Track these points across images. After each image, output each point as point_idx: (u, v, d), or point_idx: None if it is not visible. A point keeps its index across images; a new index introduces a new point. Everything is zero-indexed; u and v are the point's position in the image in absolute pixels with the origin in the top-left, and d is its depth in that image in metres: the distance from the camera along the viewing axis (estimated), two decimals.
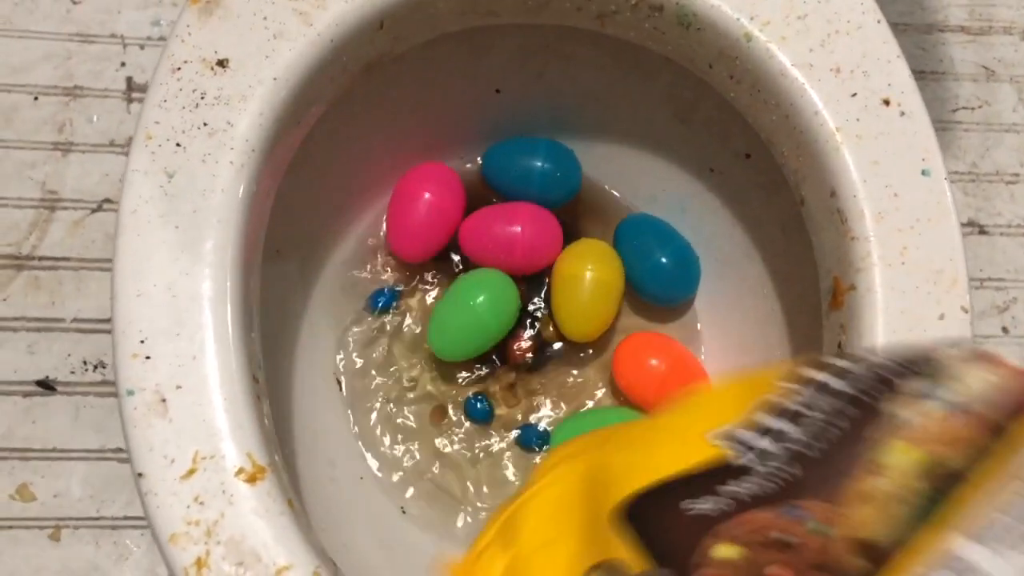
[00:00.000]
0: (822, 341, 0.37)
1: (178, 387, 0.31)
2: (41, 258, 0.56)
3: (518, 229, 0.44)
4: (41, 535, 0.52)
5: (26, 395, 0.53)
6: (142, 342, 0.31)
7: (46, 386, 0.53)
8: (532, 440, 0.45)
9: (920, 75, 0.66)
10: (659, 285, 0.46)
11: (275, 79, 0.34)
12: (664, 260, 0.46)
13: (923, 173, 0.35)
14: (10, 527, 0.51)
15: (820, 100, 0.36)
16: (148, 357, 0.31)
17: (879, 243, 0.34)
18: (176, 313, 0.31)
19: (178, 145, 0.33)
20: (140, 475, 0.30)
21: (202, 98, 0.34)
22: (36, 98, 0.59)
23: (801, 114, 0.36)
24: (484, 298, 0.43)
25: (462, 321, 0.43)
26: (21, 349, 0.54)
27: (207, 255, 0.32)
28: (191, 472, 0.30)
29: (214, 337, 0.31)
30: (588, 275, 0.44)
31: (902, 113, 0.36)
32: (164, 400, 0.31)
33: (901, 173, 0.35)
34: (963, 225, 0.63)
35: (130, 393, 0.31)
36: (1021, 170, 0.65)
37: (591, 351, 0.47)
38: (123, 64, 0.60)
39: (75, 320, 0.54)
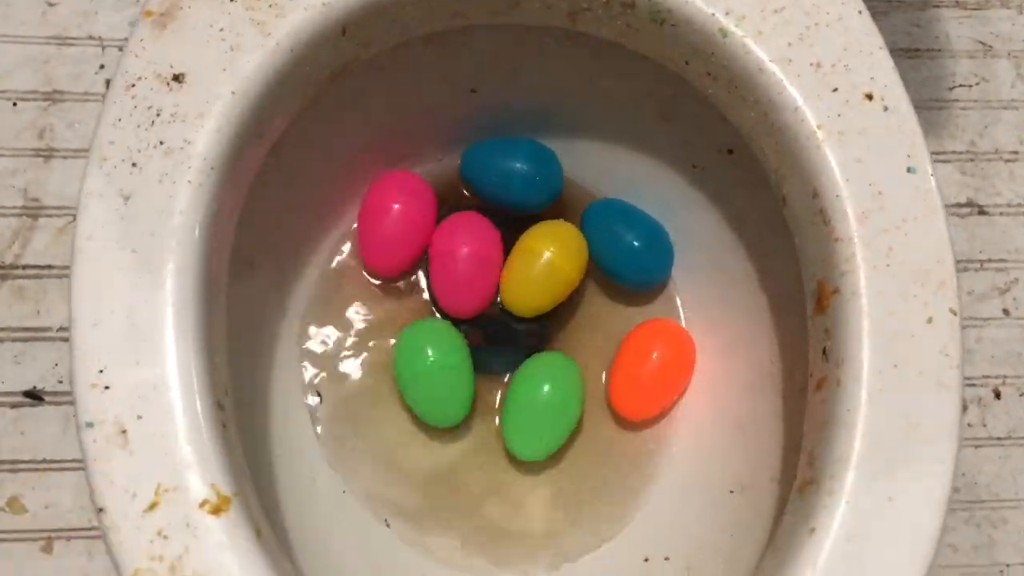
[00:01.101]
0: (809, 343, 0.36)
1: (139, 417, 0.30)
2: (25, 267, 0.55)
3: (466, 250, 0.44)
4: (33, 548, 0.51)
5: (14, 406, 0.53)
6: (100, 371, 0.30)
7: (34, 396, 0.53)
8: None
9: (916, 53, 0.65)
10: (634, 269, 0.46)
11: (233, 93, 0.33)
12: (636, 243, 0.45)
13: (909, 170, 0.34)
14: (1, 540, 0.51)
15: (800, 96, 0.35)
16: (107, 387, 0.30)
17: (863, 244, 0.33)
18: (135, 341, 0.31)
19: (134, 165, 0.32)
20: (101, 510, 0.29)
21: (158, 115, 0.33)
22: (15, 104, 0.58)
23: (780, 111, 0.35)
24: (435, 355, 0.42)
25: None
26: (7, 359, 0.54)
27: (167, 280, 0.31)
28: (153, 505, 0.29)
29: (176, 365, 0.31)
30: (546, 255, 0.43)
31: (885, 108, 0.34)
32: (124, 431, 0.30)
33: (886, 170, 0.34)
34: (961, 206, 0.62)
35: (89, 425, 0.30)
36: (1020, 148, 0.63)
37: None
38: (102, 67, 0.59)
39: (61, 329, 0.54)
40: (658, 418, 0.45)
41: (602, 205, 0.47)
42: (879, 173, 0.34)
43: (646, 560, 0.41)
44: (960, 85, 0.65)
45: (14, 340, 0.54)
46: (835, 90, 0.35)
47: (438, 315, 0.46)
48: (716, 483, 0.42)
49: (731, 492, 0.41)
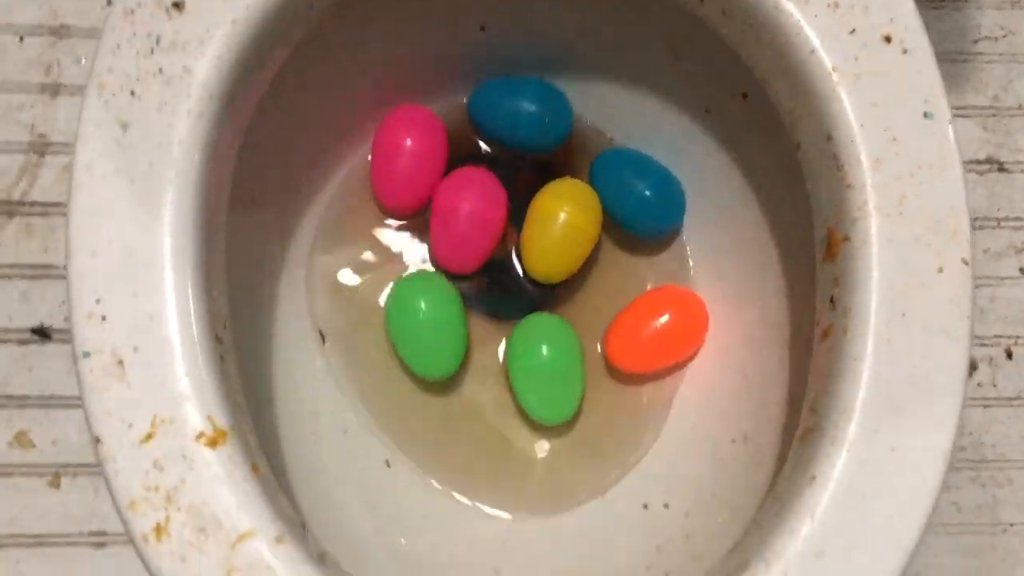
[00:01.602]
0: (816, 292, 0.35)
1: (135, 348, 0.30)
2: (32, 203, 0.55)
3: (469, 208, 0.43)
4: (40, 482, 0.52)
5: (21, 343, 0.53)
6: (97, 302, 0.30)
7: (42, 333, 0.53)
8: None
9: (940, 4, 0.63)
10: (646, 219, 0.45)
11: (234, 21, 0.32)
12: (648, 193, 0.44)
13: (925, 116, 0.33)
14: (10, 474, 0.52)
15: (816, 37, 0.34)
16: (104, 318, 0.30)
17: (876, 191, 0.33)
18: (133, 272, 0.30)
19: (132, 94, 0.32)
20: (97, 440, 0.29)
21: (157, 43, 0.32)
22: (21, 39, 0.58)
23: (796, 52, 0.34)
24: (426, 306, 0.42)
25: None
26: (15, 297, 0.54)
27: (165, 211, 0.31)
28: (150, 436, 0.29)
29: (173, 296, 0.31)
30: (562, 216, 0.43)
31: (904, 51, 0.34)
32: (121, 362, 0.30)
33: (902, 116, 0.33)
34: (981, 162, 0.61)
35: (86, 355, 0.30)
36: None
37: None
38: (109, 1, 0.58)
39: None
40: (660, 374, 0.45)
41: (611, 155, 0.46)
42: (895, 118, 0.33)
43: (645, 507, 0.41)
44: (985, 37, 0.64)
45: (22, 277, 0.54)
46: (853, 31, 0.34)
47: (434, 268, 0.46)
48: (719, 433, 0.42)
49: (733, 441, 0.41)
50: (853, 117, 0.33)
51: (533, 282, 0.45)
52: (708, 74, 0.42)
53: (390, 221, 0.46)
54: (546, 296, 0.46)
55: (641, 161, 0.45)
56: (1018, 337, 0.58)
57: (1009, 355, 0.59)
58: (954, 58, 0.63)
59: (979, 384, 0.58)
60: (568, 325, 0.44)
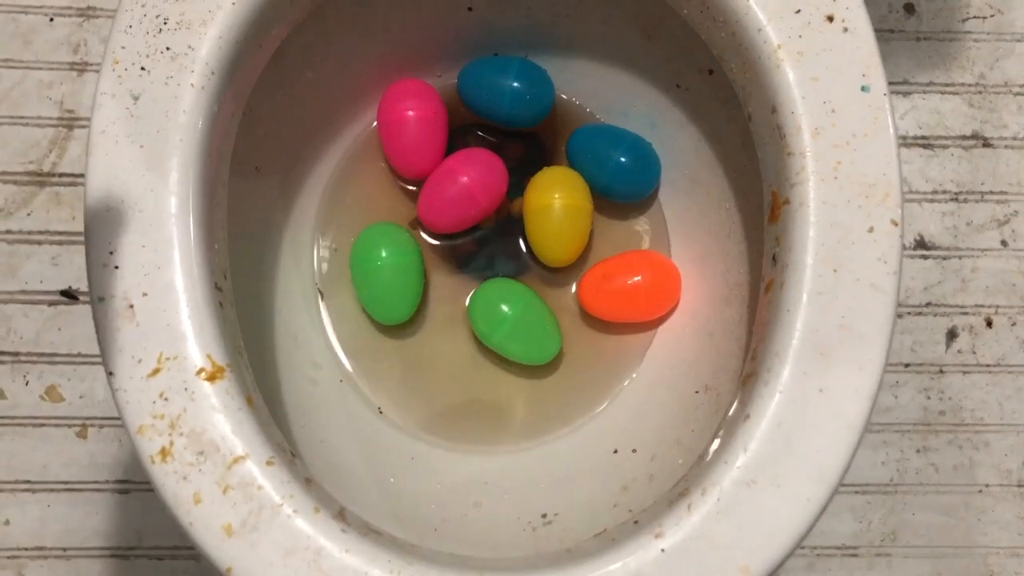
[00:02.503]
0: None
1: (144, 294, 0.34)
2: (61, 175, 0.59)
3: (466, 179, 0.46)
4: (69, 433, 0.56)
5: (51, 304, 0.57)
6: (111, 253, 0.34)
7: (69, 295, 0.57)
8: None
9: None
10: (625, 183, 0.48)
11: (233, 3, 0.36)
12: (623, 159, 0.47)
13: (862, 89, 0.36)
14: (42, 425, 0.56)
15: (764, 17, 0.36)
16: (117, 267, 0.34)
17: (814, 158, 0.35)
18: (142, 226, 0.34)
19: (143, 69, 0.35)
20: (111, 374, 0.33)
21: (165, 23, 0.36)
22: (52, 19, 0.61)
23: (746, 31, 0.37)
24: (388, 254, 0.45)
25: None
26: (45, 261, 0.57)
27: (171, 173, 0.34)
28: (156, 371, 0.33)
29: (178, 248, 0.34)
30: (557, 203, 0.46)
31: (845, 29, 0.36)
32: (132, 306, 0.33)
33: (840, 89, 0.36)
34: (966, 138, 0.62)
35: (101, 300, 0.33)
36: None
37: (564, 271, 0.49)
38: None
39: None
40: (631, 327, 0.48)
41: (584, 132, 0.49)
42: (834, 92, 0.36)
43: (615, 451, 0.44)
44: (974, 17, 0.65)
45: (52, 243, 0.58)
46: (798, 12, 0.36)
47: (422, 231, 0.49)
48: (684, 384, 0.44)
49: (696, 392, 0.44)
50: (796, 90, 0.36)
51: (545, 267, 0.48)
52: (677, 52, 0.45)
53: (388, 188, 0.49)
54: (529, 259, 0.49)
55: (612, 132, 0.48)
56: (998, 306, 0.60)
57: (989, 324, 0.60)
58: (942, 37, 0.64)
59: (959, 351, 0.60)
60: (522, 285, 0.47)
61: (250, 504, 0.32)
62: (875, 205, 0.35)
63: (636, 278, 0.46)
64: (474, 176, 0.46)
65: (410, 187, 0.49)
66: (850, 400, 0.33)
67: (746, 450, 0.33)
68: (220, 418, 0.33)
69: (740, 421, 0.34)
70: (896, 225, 0.35)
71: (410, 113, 0.47)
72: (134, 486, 0.55)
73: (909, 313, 0.60)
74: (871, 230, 0.35)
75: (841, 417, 0.33)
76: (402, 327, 0.47)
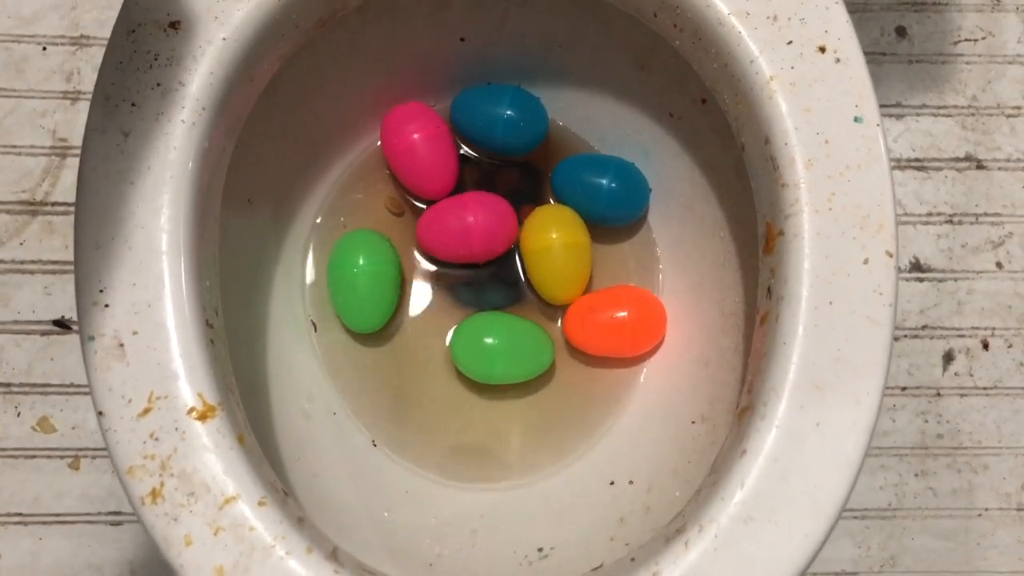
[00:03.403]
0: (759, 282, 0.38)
1: (135, 333, 0.33)
2: (54, 203, 0.58)
3: (471, 219, 0.45)
4: (61, 464, 0.55)
5: (44, 334, 0.57)
6: (101, 291, 0.34)
7: (62, 325, 0.56)
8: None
9: (922, 6, 0.65)
10: (617, 208, 0.48)
11: (224, 39, 0.36)
12: (614, 185, 0.47)
13: (856, 120, 0.36)
14: (33, 456, 0.55)
15: (756, 48, 0.36)
16: (107, 305, 0.33)
17: (808, 189, 0.35)
18: (133, 264, 0.34)
19: (133, 105, 0.35)
20: (100, 413, 0.33)
21: (155, 59, 0.35)
22: (44, 48, 0.61)
23: (738, 62, 0.37)
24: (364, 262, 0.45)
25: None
26: (38, 291, 0.57)
27: (162, 210, 0.34)
28: (147, 411, 0.33)
29: (169, 286, 0.34)
30: (556, 243, 0.46)
31: (837, 60, 0.36)
32: (122, 345, 0.33)
33: (833, 120, 0.36)
34: (959, 160, 0.62)
35: (91, 338, 0.33)
36: (1023, 103, 0.63)
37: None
38: None
39: None
40: (620, 361, 0.47)
41: (567, 163, 0.49)
42: (827, 123, 0.36)
43: (612, 483, 0.44)
44: (965, 39, 0.65)
45: (44, 272, 0.57)
46: (790, 43, 0.36)
47: (418, 253, 0.49)
48: (680, 414, 0.44)
49: (693, 422, 0.43)
50: (789, 121, 0.36)
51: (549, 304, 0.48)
52: (670, 81, 0.45)
53: (381, 218, 0.49)
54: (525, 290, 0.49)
55: (595, 160, 0.48)
56: (994, 329, 0.60)
57: (985, 346, 0.60)
58: (934, 60, 0.64)
59: (956, 374, 0.60)
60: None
61: (242, 546, 0.32)
62: (870, 236, 0.35)
63: (621, 313, 0.46)
64: (480, 221, 0.46)
65: (386, 218, 0.49)
66: (847, 434, 0.33)
67: (743, 486, 0.33)
68: (212, 458, 0.32)
69: (737, 456, 0.33)
70: (891, 256, 0.35)
71: (416, 136, 0.47)
72: (127, 518, 0.54)
73: (905, 336, 0.59)
74: (866, 261, 0.35)
75: (838, 451, 0.33)
76: (395, 358, 0.47)
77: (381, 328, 0.47)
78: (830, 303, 0.34)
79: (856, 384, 0.34)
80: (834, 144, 0.36)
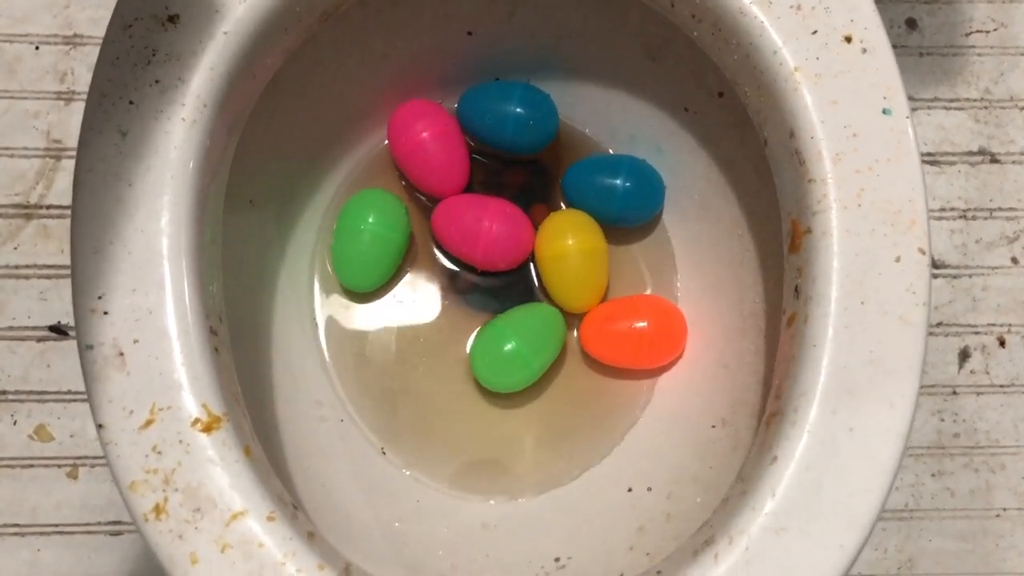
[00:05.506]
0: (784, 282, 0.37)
1: (135, 341, 0.32)
2: (49, 207, 0.57)
3: (486, 223, 0.44)
4: (60, 473, 0.54)
5: (40, 340, 0.56)
6: (100, 298, 0.32)
7: (59, 331, 0.55)
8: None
9: None
10: (634, 209, 0.46)
11: (225, 33, 0.34)
12: (628, 184, 0.45)
13: (884, 112, 0.34)
14: (30, 466, 0.54)
15: (779, 38, 0.35)
16: (106, 312, 0.32)
17: (836, 185, 0.34)
18: (132, 269, 0.32)
19: (131, 103, 0.34)
20: (100, 426, 0.31)
21: (153, 55, 0.34)
22: (37, 48, 0.60)
23: (760, 53, 0.35)
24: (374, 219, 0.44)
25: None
26: (34, 296, 0.56)
27: (162, 212, 0.33)
28: (149, 423, 0.31)
29: (170, 292, 0.32)
30: (572, 249, 0.44)
31: (864, 50, 0.35)
32: (122, 354, 0.32)
33: (861, 112, 0.34)
34: (973, 154, 0.61)
35: (89, 348, 0.32)
36: None
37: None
38: None
39: None
40: (636, 372, 0.46)
41: (579, 166, 0.47)
42: (854, 115, 0.34)
43: (629, 490, 0.43)
44: (977, 31, 0.64)
45: (40, 277, 0.56)
46: (814, 33, 0.35)
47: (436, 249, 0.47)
48: (699, 418, 0.43)
49: (712, 427, 0.42)
50: (814, 114, 0.35)
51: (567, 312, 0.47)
52: (684, 74, 0.43)
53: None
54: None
55: (607, 161, 0.47)
56: (1011, 325, 0.59)
57: (1002, 343, 0.59)
58: (945, 52, 0.63)
59: (972, 372, 0.59)
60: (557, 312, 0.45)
61: (251, 564, 0.30)
62: (901, 233, 0.34)
63: (641, 323, 0.44)
64: (496, 231, 0.45)
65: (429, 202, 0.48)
66: (881, 440, 0.32)
67: (774, 495, 0.31)
68: (217, 471, 0.31)
69: (767, 463, 0.32)
70: (924, 254, 0.33)
71: (424, 134, 0.45)
72: (127, 528, 0.53)
73: None
74: (898, 259, 0.33)
75: (873, 458, 0.32)
76: (405, 363, 0.46)
77: (373, 289, 0.45)
78: (861, 303, 0.33)
79: (890, 387, 0.32)
80: (862, 137, 0.34)
